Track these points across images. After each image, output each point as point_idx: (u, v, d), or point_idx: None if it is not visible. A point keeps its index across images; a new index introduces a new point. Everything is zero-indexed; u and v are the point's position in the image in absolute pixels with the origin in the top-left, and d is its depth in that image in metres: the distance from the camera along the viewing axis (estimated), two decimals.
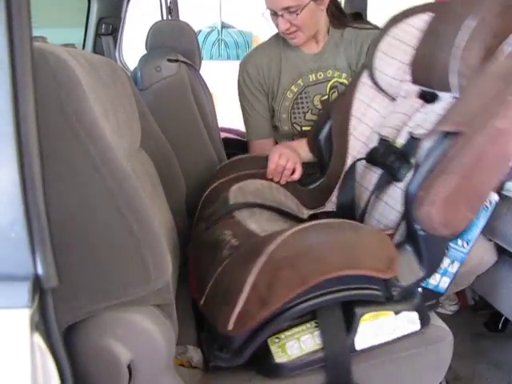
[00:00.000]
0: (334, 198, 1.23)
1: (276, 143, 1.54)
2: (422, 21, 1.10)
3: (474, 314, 1.55)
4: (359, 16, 1.55)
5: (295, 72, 1.46)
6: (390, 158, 1.05)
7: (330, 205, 1.24)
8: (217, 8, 3.77)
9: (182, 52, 1.46)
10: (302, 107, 1.48)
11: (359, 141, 1.22)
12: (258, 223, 0.96)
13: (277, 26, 1.37)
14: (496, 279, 1.22)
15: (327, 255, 0.79)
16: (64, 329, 0.61)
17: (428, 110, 1.06)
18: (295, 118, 1.49)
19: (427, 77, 1.07)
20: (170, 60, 1.39)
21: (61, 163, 0.59)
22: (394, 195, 1.04)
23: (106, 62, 0.93)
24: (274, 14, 1.33)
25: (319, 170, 1.27)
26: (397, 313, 0.84)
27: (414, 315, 0.86)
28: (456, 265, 0.94)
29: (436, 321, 0.93)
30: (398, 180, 1.03)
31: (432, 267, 0.89)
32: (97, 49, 1.88)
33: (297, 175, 1.23)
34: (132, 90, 1.03)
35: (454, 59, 0.94)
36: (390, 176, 1.04)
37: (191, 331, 0.95)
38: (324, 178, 1.24)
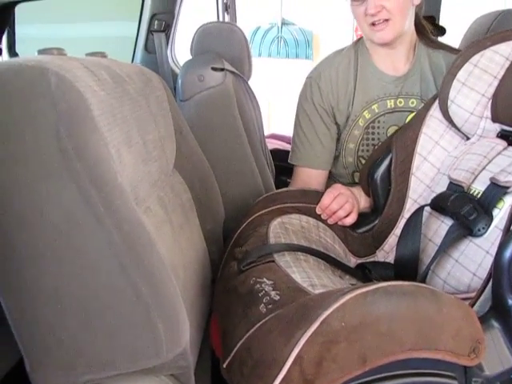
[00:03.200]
0: (386, 246, 1.06)
1: (329, 176, 1.32)
2: (511, 48, 0.93)
3: None
4: (432, 20, 1.31)
5: (371, 95, 1.21)
6: (465, 207, 0.87)
7: (382, 254, 1.06)
8: (278, 4, 3.66)
9: (230, 59, 1.32)
10: (373, 138, 1.23)
11: (422, 183, 1.04)
12: (304, 273, 0.79)
13: (360, 17, 1.13)
14: None
15: (398, 330, 0.61)
16: None
17: None
18: (363, 150, 1.25)
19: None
20: (214, 68, 1.24)
21: (57, 212, 0.49)
22: (469, 253, 0.85)
23: (139, 72, 0.83)
24: None
25: (372, 214, 1.10)
26: None
27: None
28: None
29: None
30: (475, 235, 0.86)
31: None
32: (148, 46, 1.77)
33: (350, 220, 1.05)
34: (169, 102, 0.92)
35: None
36: (464, 229, 0.86)
37: None
38: (377, 223, 1.06)
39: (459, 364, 0.64)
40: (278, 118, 3.41)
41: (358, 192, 1.13)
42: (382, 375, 0.63)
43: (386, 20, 1.11)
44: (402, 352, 0.61)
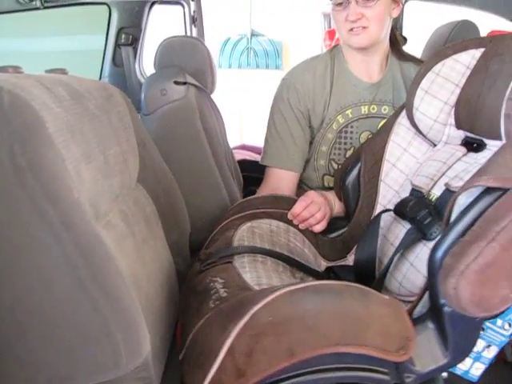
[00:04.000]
0: None
1: (300, 180, 1.35)
2: (471, 57, 0.95)
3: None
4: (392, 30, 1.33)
5: (345, 100, 1.25)
6: (421, 212, 0.89)
7: (353, 258, 1.09)
8: (247, 15, 3.72)
9: (193, 73, 1.34)
10: (345, 142, 1.28)
11: (391, 189, 1.07)
12: (255, 273, 0.83)
13: (340, 21, 1.17)
14: None
15: (323, 326, 0.65)
16: None
17: (471, 160, 0.90)
18: (335, 153, 1.29)
19: (473, 121, 0.92)
20: (176, 82, 1.27)
21: (13, 228, 0.50)
22: (423, 256, 0.88)
23: (100, 87, 0.85)
24: (344, 2, 1.14)
25: (344, 219, 1.13)
26: None
27: None
28: (493, 349, 0.77)
29: None
30: (429, 239, 0.88)
31: (460, 353, 0.72)
32: (116, 59, 1.81)
33: (319, 227, 1.08)
34: (131, 117, 0.94)
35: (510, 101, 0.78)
36: (419, 233, 0.88)
37: None
38: (347, 228, 1.09)
39: (389, 360, 0.67)
40: (249, 129, 3.43)
41: (333, 197, 1.16)
42: (314, 368, 0.67)
43: (364, 27, 1.17)
44: (328, 346, 0.64)
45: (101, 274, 0.54)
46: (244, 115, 3.59)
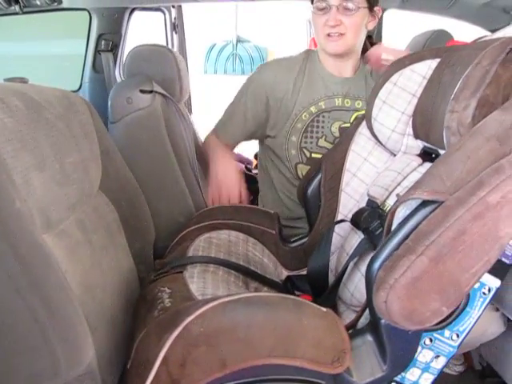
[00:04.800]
0: None
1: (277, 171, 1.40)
2: (428, 67, 0.95)
3: (481, 381, 1.30)
4: (369, 38, 1.40)
5: (318, 93, 1.30)
6: (374, 222, 0.89)
7: None
8: (233, 22, 3.73)
9: (161, 81, 1.35)
10: (317, 132, 1.31)
11: (352, 198, 1.07)
12: (201, 284, 0.84)
13: (319, 25, 1.24)
14: (504, 348, 0.99)
15: (254, 338, 0.65)
16: None
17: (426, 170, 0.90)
18: (306, 142, 1.32)
19: (428, 131, 0.92)
20: (142, 91, 1.28)
21: None
22: None
23: (61, 96, 0.86)
24: (325, 8, 1.21)
25: (308, 228, 1.13)
26: None
27: None
28: (442, 360, 0.76)
29: None
30: None
31: (398, 365, 0.71)
32: (96, 65, 1.82)
33: (243, 200, 1.22)
34: (95, 125, 0.94)
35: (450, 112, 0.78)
36: (371, 243, 0.88)
37: None
38: (308, 237, 1.09)
39: (323, 372, 0.67)
40: None
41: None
42: (247, 380, 0.67)
43: (341, 34, 1.23)
44: (260, 358, 0.64)
45: (40, 284, 0.54)
46: None
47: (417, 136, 0.98)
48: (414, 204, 0.70)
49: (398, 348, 0.70)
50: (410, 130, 0.99)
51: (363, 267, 0.90)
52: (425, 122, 0.93)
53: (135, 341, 0.78)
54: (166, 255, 1.03)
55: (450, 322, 0.73)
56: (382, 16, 1.79)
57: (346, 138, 1.10)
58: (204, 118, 2.09)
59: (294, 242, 1.12)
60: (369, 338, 0.72)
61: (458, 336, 0.75)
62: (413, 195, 0.68)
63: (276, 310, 0.68)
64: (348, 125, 1.28)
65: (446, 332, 0.74)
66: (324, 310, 0.71)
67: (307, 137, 1.31)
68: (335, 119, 1.30)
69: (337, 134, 1.30)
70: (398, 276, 0.62)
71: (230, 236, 1.05)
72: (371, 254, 0.89)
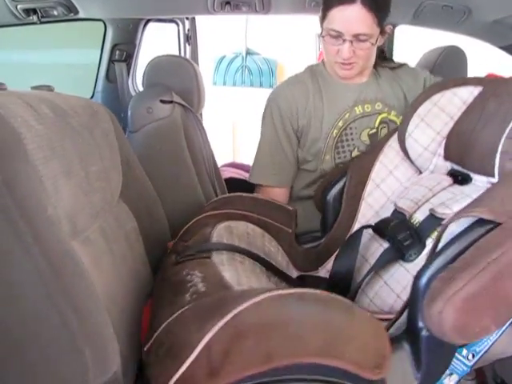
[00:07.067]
0: (329, 264, 1.08)
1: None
2: (470, 93, 0.98)
3: None
4: (381, 52, 1.36)
5: (341, 105, 1.25)
6: (402, 233, 0.90)
7: (324, 272, 1.09)
8: (242, 34, 3.74)
9: (180, 91, 1.35)
10: (348, 145, 1.25)
11: (372, 209, 1.08)
12: (234, 272, 0.81)
13: (331, 52, 1.18)
14: None
15: (305, 335, 0.63)
16: None
17: (457, 191, 0.92)
18: (339, 157, 1.25)
19: (463, 155, 0.94)
20: (163, 101, 1.28)
21: None
22: (397, 276, 0.89)
23: (85, 105, 0.85)
24: (338, 38, 1.13)
25: (320, 231, 1.12)
26: None
27: None
28: (454, 378, 0.77)
29: None
30: (406, 260, 0.89)
31: (429, 377, 0.72)
32: (110, 75, 1.82)
33: None
34: (116, 134, 0.93)
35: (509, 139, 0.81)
36: (397, 253, 0.89)
37: None
38: (323, 241, 1.09)
39: (363, 377, 0.66)
40: (242, 146, 3.47)
41: None
42: (288, 377, 0.65)
43: (354, 62, 1.18)
44: (307, 356, 0.63)
45: (70, 290, 0.54)
46: (237, 132, 3.59)
47: (447, 157, 1.00)
48: (466, 222, 0.72)
49: (434, 360, 0.71)
50: (440, 151, 1.02)
51: (385, 275, 0.91)
52: (461, 145, 0.96)
53: (160, 322, 0.74)
54: (181, 237, 0.99)
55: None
56: (393, 31, 1.83)
57: (375, 148, 1.11)
58: (212, 127, 2.07)
59: (307, 243, 1.11)
60: (405, 346, 0.72)
61: (473, 356, 0.77)
62: (472, 213, 0.69)
63: (328, 308, 0.67)
64: (375, 130, 1.26)
65: (464, 351, 0.76)
66: (368, 314, 0.70)
67: (339, 152, 1.26)
68: (362, 128, 1.26)
69: (368, 142, 1.26)
70: (457, 288, 0.63)
71: (247, 228, 1.03)
72: (395, 264, 0.91)
